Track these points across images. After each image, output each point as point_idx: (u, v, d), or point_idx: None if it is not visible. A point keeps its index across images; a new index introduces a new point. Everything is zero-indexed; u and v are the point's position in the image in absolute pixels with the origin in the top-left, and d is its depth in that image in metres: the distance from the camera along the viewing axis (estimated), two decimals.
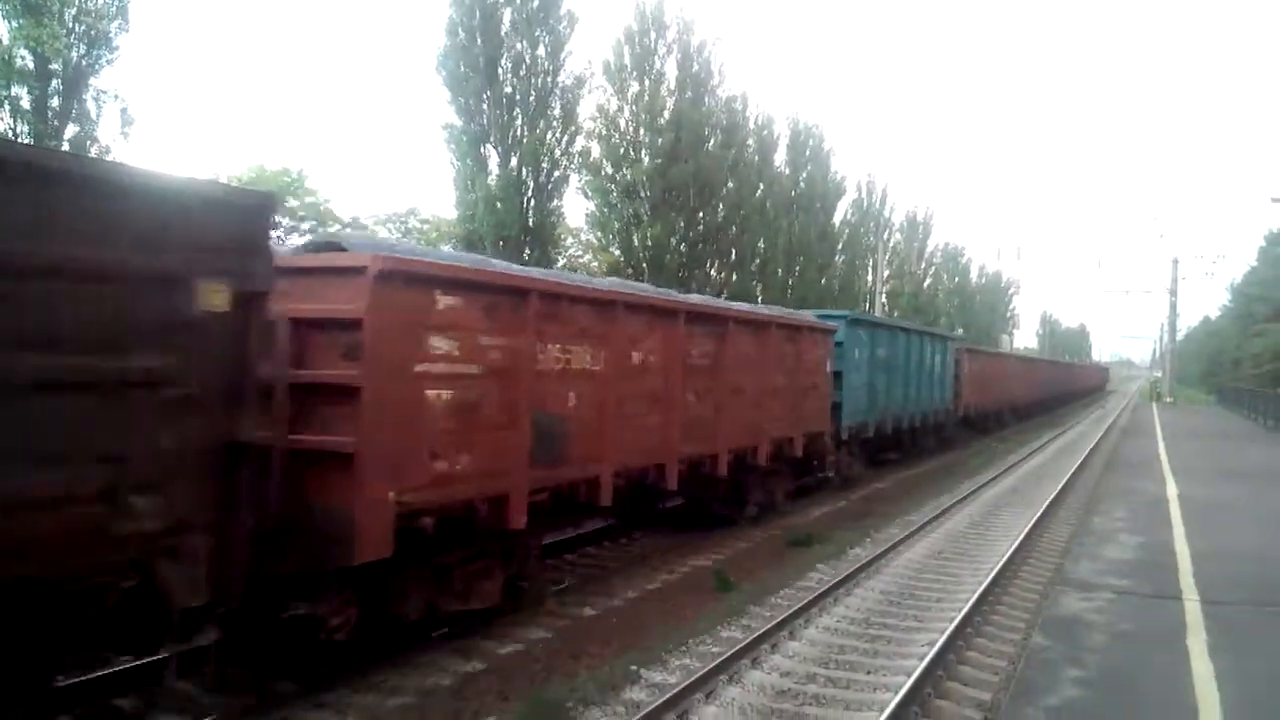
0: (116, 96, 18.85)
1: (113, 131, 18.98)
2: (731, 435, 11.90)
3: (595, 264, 38.03)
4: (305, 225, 37.49)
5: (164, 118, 77.56)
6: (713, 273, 33.21)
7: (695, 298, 12.96)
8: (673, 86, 29.85)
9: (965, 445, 27.97)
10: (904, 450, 22.63)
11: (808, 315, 15.96)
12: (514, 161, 24.20)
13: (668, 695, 6.57)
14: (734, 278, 34.15)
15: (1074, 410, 56.40)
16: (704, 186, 30.37)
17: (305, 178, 37.96)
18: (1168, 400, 56.73)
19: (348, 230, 38.77)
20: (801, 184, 40.55)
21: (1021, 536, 12.51)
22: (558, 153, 25.09)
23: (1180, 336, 78.54)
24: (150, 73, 71.71)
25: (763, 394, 12.72)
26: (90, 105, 18.46)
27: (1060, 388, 56.76)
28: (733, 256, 34.06)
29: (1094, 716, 5.66)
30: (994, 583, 10.05)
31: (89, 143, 18.47)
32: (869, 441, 18.78)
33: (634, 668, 7.62)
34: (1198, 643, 7.14)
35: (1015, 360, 43.93)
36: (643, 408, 9.86)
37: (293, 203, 37.60)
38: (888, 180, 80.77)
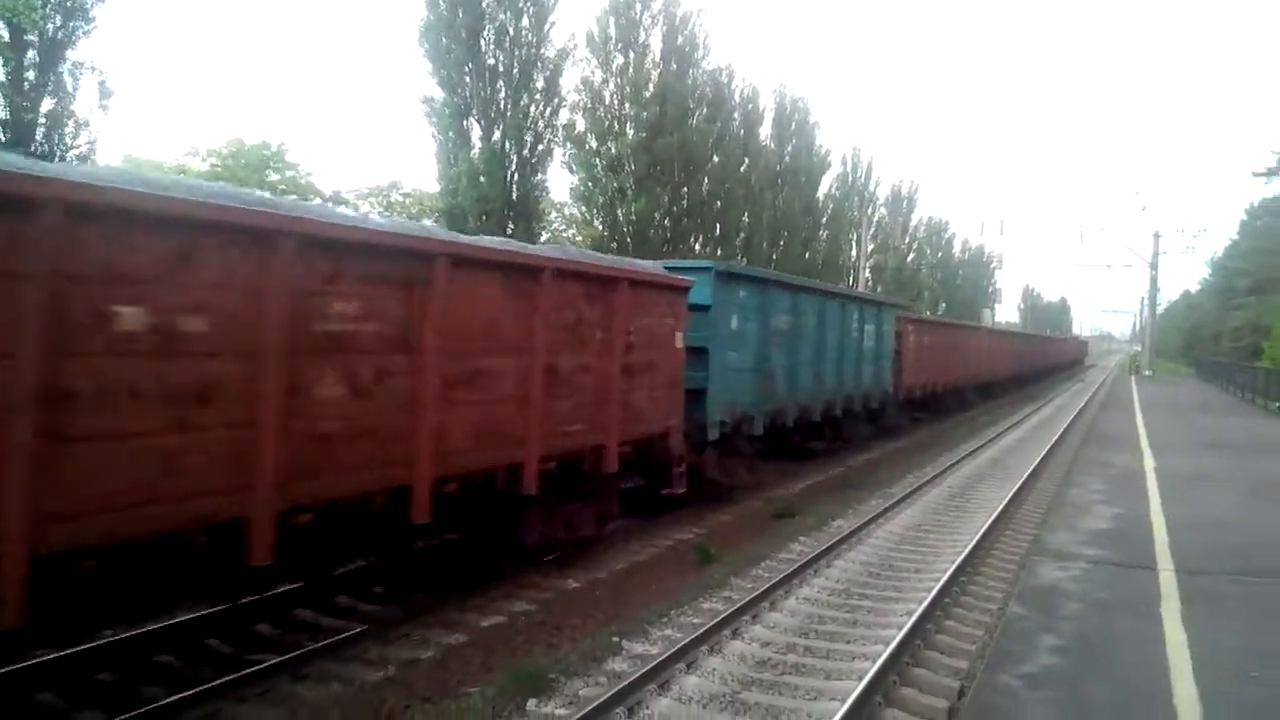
0: (94, 69, 18.60)
1: (90, 104, 18.75)
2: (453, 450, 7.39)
3: (579, 238, 37.91)
4: (286, 199, 37.18)
5: (143, 91, 76.44)
6: (697, 247, 33.16)
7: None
8: (658, 59, 29.67)
9: (910, 432, 24.69)
10: (829, 442, 18.77)
11: (640, 264, 10.97)
12: (497, 135, 24.03)
13: (649, 666, 6.63)
14: (719, 252, 34.13)
15: (1051, 385, 56.72)
16: (689, 160, 30.27)
17: (285, 151, 37.68)
18: (1147, 373, 57.24)
19: (328, 204, 38.47)
20: (787, 158, 40.44)
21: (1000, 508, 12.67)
22: (541, 126, 24.93)
23: (1160, 310, 79.12)
24: (129, 45, 70.61)
25: (524, 382, 8.20)
26: (67, 78, 18.19)
27: (1033, 363, 53.51)
28: (717, 231, 33.99)
29: (1069, 683, 5.75)
30: (972, 554, 10.18)
31: (66, 117, 18.21)
32: (760, 439, 14.42)
33: (616, 639, 7.69)
34: (1171, 611, 7.25)
35: (980, 333, 38.78)
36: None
37: (273, 177, 37.25)
38: (872, 154, 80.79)
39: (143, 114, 75.20)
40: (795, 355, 15.49)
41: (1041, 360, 58.67)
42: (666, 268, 11.42)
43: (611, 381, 9.57)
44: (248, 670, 6.62)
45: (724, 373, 12.77)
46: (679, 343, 11.17)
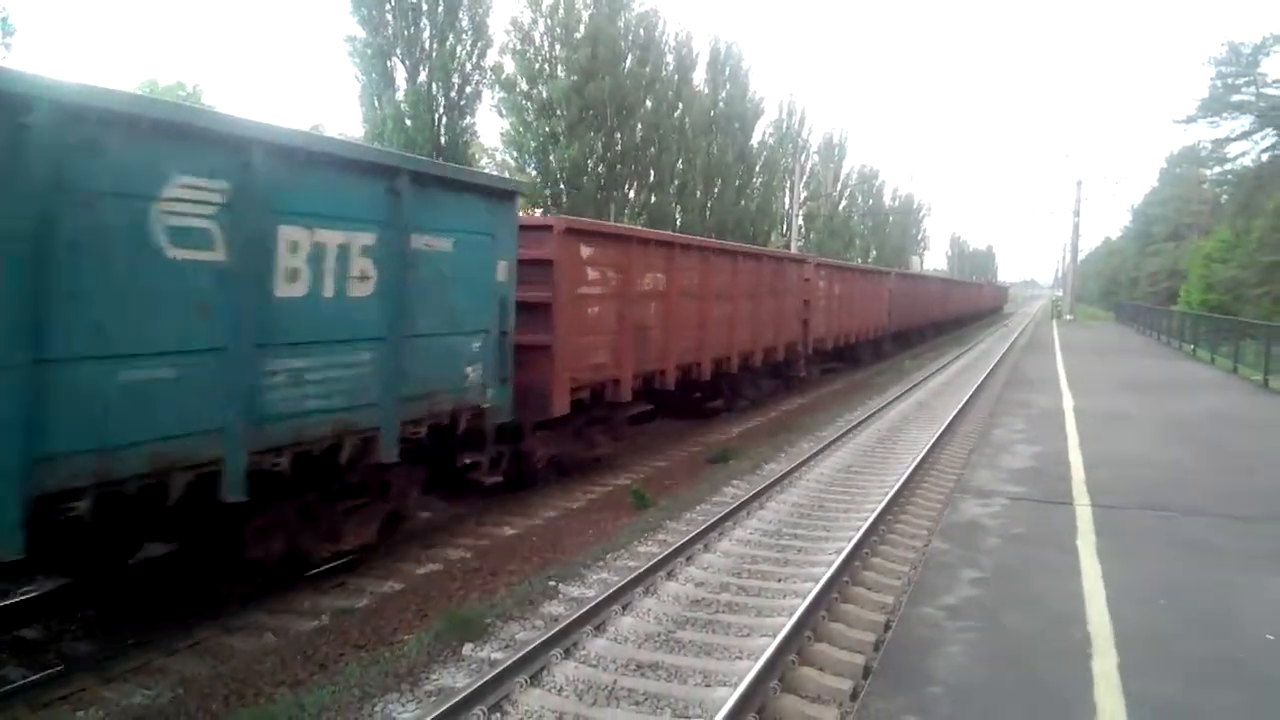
0: None
1: None
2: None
3: None
4: None
5: (48, 29, 72.28)
6: (631, 194, 32.90)
7: None
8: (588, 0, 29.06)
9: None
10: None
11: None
12: (423, 76, 23.33)
13: (586, 608, 6.70)
14: (653, 199, 33.92)
15: (973, 331, 58.11)
16: (621, 105, 29.87)
17: (201, 92, 36.16)
18: (1068, 318, 59.07)
19: None
20: (721, 104, 40.16)
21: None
22: (469, 67, 24.28)
23: (1083, 257, 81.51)
24: None
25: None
26: None
27: (943, 310, 47.33)
28: (651, 178, 33.75)
29: (988, 612, 5.98)
30: (898, 494, 10.46)
31: None
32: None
33: (553, 583, 7.75)
34: (1087, 544, 7.56)
35: (850, 273, 27.22)
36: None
37: None
38: (806, 103, 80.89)
39: (48, 53, 71.26)
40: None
41: (951, 309, 50.58)
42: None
43: None
44: (174, 621, 6.50)
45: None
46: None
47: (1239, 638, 5.61)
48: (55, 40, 71.07)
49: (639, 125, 31.44)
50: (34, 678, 5.64)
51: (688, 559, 8.28)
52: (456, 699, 5.22)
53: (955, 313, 53.55)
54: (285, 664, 6.14)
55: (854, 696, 5.50)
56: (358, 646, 6.47)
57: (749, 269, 16.75)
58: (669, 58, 34.09)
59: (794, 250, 39.29)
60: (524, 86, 28.58)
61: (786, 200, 50.15)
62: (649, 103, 31.95)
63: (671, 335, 13.19)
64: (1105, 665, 5.15)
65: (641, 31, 31.43)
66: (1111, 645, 5.42)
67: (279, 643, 6.51)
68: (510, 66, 28.47)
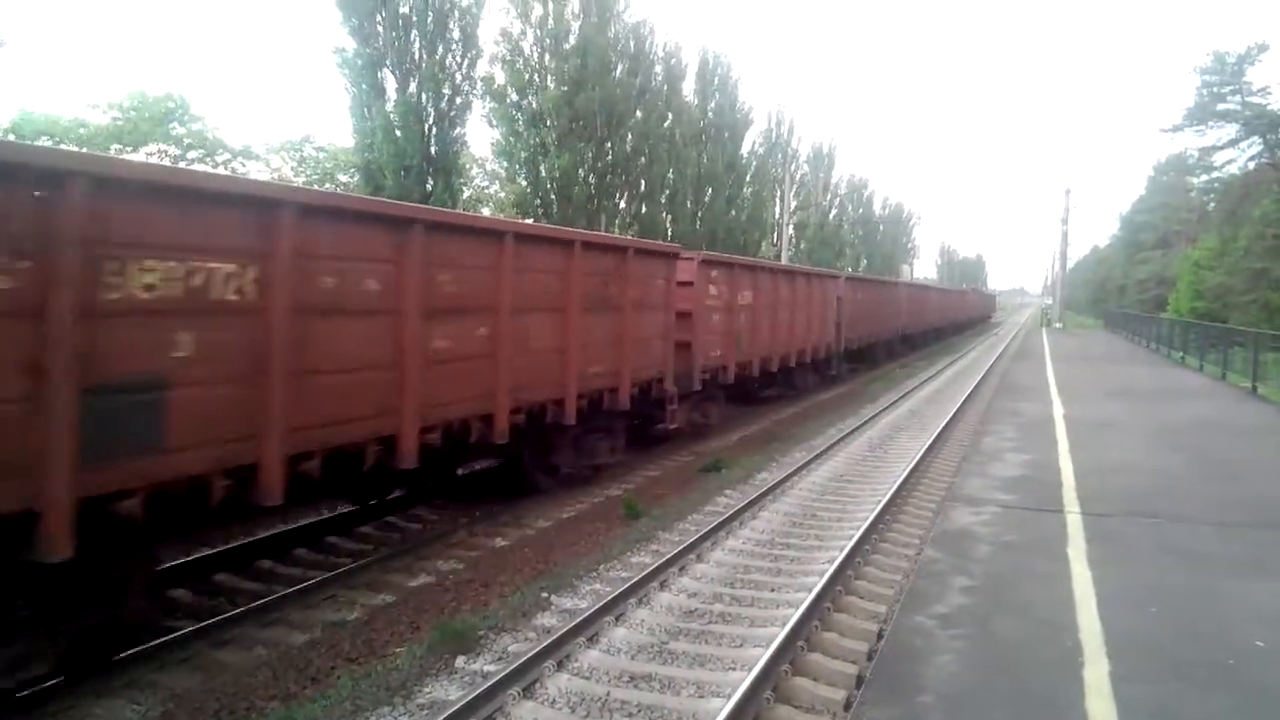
0: None
1: None
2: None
3: (502, 195, 37.35)
4: (192, 154, 35.73)
5: (37, 40, 72.01)
6: (622, 204, 32.92)
7: None
8: (577, 10, 29.09)
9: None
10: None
11: None
12: (413, 87, 23.30)
13: (578, 619, 6.69)
14: (643, 209, 33.93)
15: (962, 340, 58.29)
16: (611, 115, 29.90)
17: (190, 104, 36.06)
18: (1057, 326, 59.32)
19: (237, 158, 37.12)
20: (710, 114, 40.25)
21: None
22: (459, 78, 24.21)
23: (1071, 265, 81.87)
24: None
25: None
26: None
27: (917, 322, 41.12)
28: (642, 188, 33.79)
29: (979, 621, 5.99)
30: (890, 502, 10.49)
31: None
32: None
33: (545, 594, 7.74)
34: (1077, 551, 7.59)
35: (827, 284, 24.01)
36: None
37: (177, 130, 35.70)
38: (794, 113, 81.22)
39: (37, 65, 70.91)
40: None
41: (914, 320, 40.83)
42: None
43: None
44: (165, 638, 6.47)
45: None
46: None
47: (1229, 644, 5.63)
48: (44, 52, 70.68)
49: (629, 135, 31.48)
50: (24, 694, 5.60)
51: (681, 569, 8.28)
52: (449, 712, 5.21)
53: (933, 324, 47.84)
54: (277, 677, 6.12)
55: (847, 706, 5.51)
56: (350, 659, 6.45)
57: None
58: (658, 68, 34.18)
59: (784, 260, 39.32)
60: (514, 97, 28.58)
61: (777, 209, 50.26)
62: (639, 113, 32.00)
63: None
64: (1096, 672, 5.17)
65: (631, 42, 31.51)
66: (1103, 652, 5.44)
67: (270, 656, 6.48)
68: (501, 77, 28.49)
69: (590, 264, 10.88)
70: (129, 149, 33.16)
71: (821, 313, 23.22)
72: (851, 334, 26.79)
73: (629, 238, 19.46)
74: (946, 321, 54.47)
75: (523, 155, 29.00)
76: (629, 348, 11.84)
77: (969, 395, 21.50)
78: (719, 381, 16.19)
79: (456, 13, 23.71)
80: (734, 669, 6.13)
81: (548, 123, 28.76)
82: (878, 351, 32.38)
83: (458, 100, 24.27)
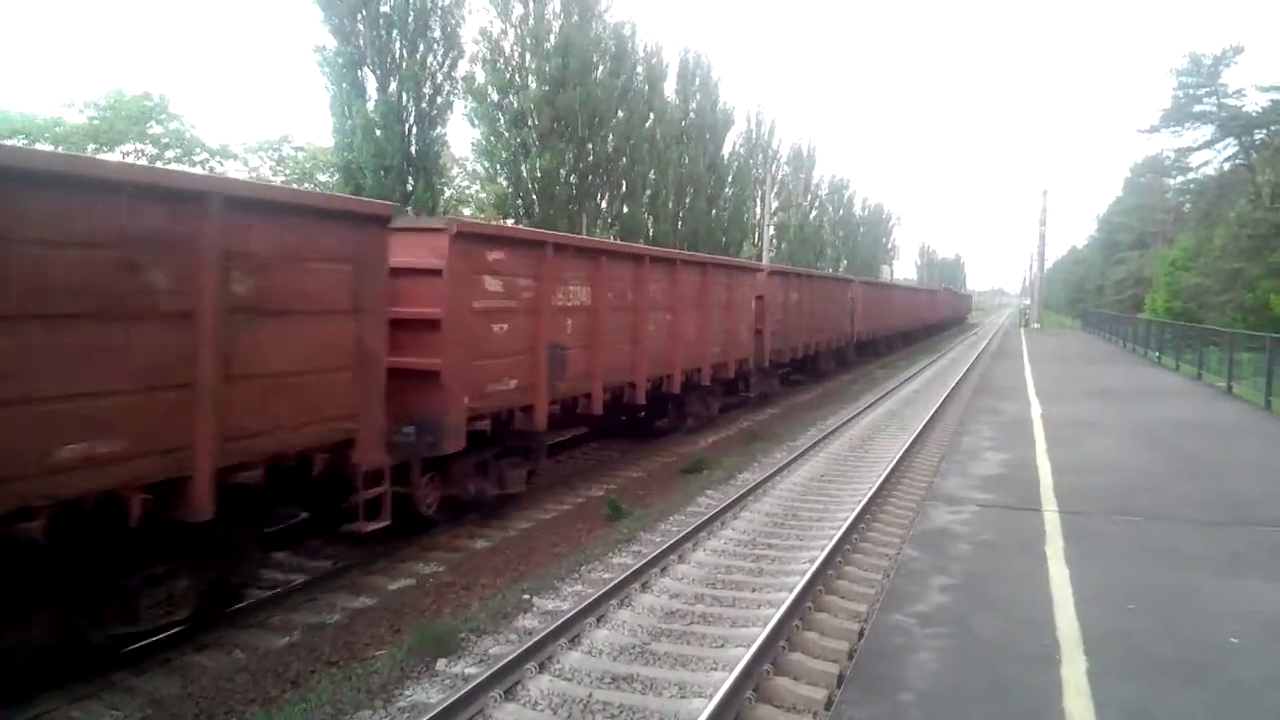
0: None
1: None
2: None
3: (483, 195, 37.22)
4: (170, 154, 35.39)
5: (12, 38, 71.15)
6: (603, 204, 32.90)
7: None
8: (558, 9, 29.03)
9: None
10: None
11: None
12: (393, 86, 23.19)
13: (560, 621, 6.68)
14: (625, 209, 33.92)
15: (941, 341, 58.62)
16: (593, 115, 29.86)
17: (168, 102, 35.69)
18: (1035, 326, 59.79)
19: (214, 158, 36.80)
20: (691, 114, 40.30)
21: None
22: (440, 77, 24.11)
23: (1049, 266, 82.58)
24: None
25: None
26: None
27: (873, 326, 35.26)
28: (624, 188, 33.78)
29: (958, 619, 6.03)
30: (870, 502, 10.54)
31: None
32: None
33: (527, 596, 7.73)
34: (1055, 550, 7.65)
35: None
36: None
37: (155, 129, 35.35)
38: (775, 113, 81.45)
39: (11, 63, 69.98)
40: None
41: (878, 324, 36.70)
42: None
43: None
44: (144, 642, 6.41)
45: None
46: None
47: (1205, 641, 5.70)
48: (18, 50, 69.81)
49: (611, 135, 31.46)
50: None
51: (662, 570, 8.29)
52: (430, 715, 5.19)
53: (899, 328, 43.06)
54: (256, 681, 6.08)
55: (828, 705, 5.53)
56: (330, 663, 6.42)
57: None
58: (640, 68, 34.18)
59: (762, 260, 39.38)
60: (495, 97, 28.49)
61: (758, 210, 50.39)
62: (621, 113, 31.98)
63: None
64: (1074, 670, 5.22)
65: (613, 42, 31.49)
66: (1080, 650, 5.49)
67: (249, 660, 6.44)
68: (481, 76, 28.38)
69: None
70: (105, 148, 32.78)
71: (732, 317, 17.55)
72: (781, 344, 21.40)
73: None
74: (916, 324, 50.62)
75: (504, 155, 28.91)
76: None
77: (948, 395, 21.62)
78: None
79: (438, 11, 23.62)
80: (716, 669, 6.14)
81: (529, 122, 28.69)
82: (821, 362, 26.75)
83: (438, 99, 24.17)
